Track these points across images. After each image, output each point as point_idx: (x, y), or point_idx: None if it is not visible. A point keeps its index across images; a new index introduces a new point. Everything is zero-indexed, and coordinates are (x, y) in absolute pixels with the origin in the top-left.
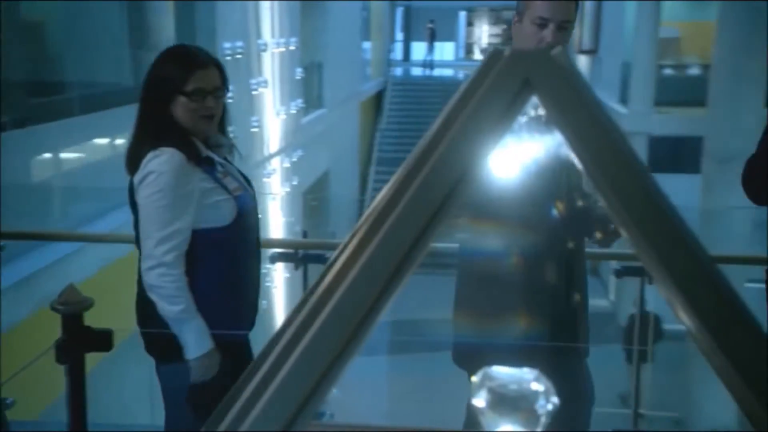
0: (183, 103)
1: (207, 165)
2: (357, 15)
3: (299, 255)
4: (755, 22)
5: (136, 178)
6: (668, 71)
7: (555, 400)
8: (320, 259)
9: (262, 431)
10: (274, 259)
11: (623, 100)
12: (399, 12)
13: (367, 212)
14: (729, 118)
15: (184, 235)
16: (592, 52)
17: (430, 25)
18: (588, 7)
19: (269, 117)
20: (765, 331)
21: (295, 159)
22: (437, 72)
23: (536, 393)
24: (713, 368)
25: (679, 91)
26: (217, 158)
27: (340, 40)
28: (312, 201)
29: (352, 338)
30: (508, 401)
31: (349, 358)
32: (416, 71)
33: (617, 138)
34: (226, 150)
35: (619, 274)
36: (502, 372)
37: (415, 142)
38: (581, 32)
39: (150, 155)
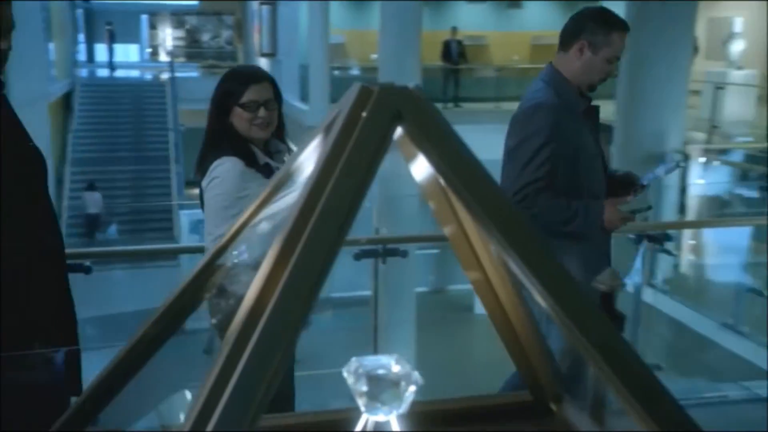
0: (239, 113)
1: (266, 171)
2: (37, 15)
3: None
4: (409, 29)
5: (204, 181)
6: (337, 72)
7: (417, 377)
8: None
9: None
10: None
11: (304, 98)
12: (80, 14)
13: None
14: None
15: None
16: (271, 55)
17: (108, 27)
18: (265, 13)
19: None
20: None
21: None
22: (124, 73)
23: (399, 374)
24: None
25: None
26: (273, 164)
27: (22, 41)
28: None
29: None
30: (378, 383)
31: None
32: (102, 72)
33: (470, 158)
34: (284, 156)
35: (358, 256)
36: (368, 359)
37: (109, 141)
38: (261, 37)
39: (216, 162)
